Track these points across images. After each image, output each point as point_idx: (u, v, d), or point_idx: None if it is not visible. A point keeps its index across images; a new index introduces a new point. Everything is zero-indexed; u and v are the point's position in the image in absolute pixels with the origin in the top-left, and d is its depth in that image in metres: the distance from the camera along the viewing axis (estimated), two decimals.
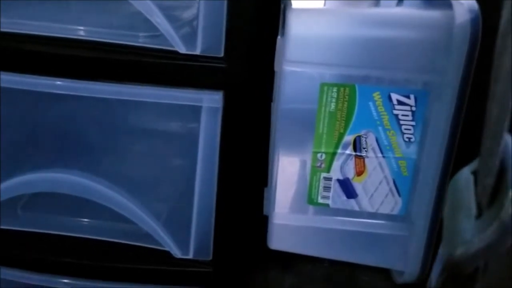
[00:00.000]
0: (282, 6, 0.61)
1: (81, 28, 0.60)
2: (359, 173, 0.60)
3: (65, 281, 0.66)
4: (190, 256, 0.65)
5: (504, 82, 0.26)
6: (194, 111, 0.59)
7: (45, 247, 0.66)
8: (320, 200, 0.62)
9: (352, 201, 0.61)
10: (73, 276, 0.66)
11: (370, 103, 0.57)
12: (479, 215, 0.29)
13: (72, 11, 0.65)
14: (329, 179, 0.61)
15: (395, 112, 0.57)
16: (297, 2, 0.58)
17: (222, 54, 0.57)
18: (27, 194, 0.70)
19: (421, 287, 0.61)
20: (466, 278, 0.30)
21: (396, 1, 0.62)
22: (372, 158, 0.59)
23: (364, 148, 0.59)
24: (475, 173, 0.31)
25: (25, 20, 0.60)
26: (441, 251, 0.31)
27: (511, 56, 0.26)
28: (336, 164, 0.60)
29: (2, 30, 0.59)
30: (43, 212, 0.70)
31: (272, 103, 0.64)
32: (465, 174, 0.32)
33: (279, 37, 0.59)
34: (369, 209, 0.62)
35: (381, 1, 0.61)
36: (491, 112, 0.28)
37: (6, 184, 0.64)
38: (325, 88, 0.57)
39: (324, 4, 0.61)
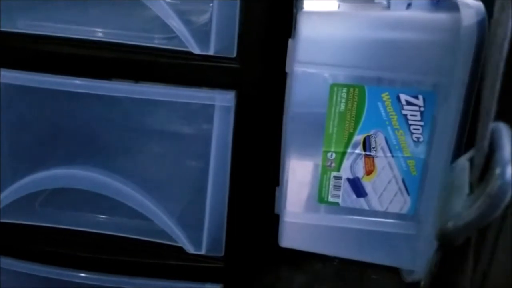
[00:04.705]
0: (294, 9, 0.62)
1: (99, 30, 0.62)
2: (368, 172, 0.61)
3: (82, 275, 0.67)
4: (203, 252, 0.66)
5: (493, 74, 0.28)
6: (208, 110, 0.60)
7: (62, 242, 0.68)
8: (330, 199, 0.63)
9: (362, 200, 0.62)
10: (89, 270, 0.67)
11: (379, 104, 0.58)
12: (470, 193, 0.31)
13: (91, 14, 0.67)
14: (339, 178, 0.62)
15: (404, 112, 0.58)
16: (310, 5, 0.60)
17: (234, 55, 0.59)
18: (46, 191, 0.72)
19: None
20: (458, 255, 0.32)
21: (406, 4, 0.63)
22: (381, 158, 0.60)
23: (373, 148, 0.60)
24: (471, 159, 0.33)
25: (46, 22, 0.62)
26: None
27: (498, 50, 0.28)
28: (346, 163, 0.61)
29: (24, 31, 0.61)
30: (60, 208, 0.71)
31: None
32: (462, 161, 0.34)
33: (290, 39, 0.60)
34: (379, 208, 0.62)
35: (392, 4, 0.62)
36: (483, 100, 0.30)
37: (28, 179, 0.66)
38: (335, 88, 0.58)
39: (338, 7, 0.62)
